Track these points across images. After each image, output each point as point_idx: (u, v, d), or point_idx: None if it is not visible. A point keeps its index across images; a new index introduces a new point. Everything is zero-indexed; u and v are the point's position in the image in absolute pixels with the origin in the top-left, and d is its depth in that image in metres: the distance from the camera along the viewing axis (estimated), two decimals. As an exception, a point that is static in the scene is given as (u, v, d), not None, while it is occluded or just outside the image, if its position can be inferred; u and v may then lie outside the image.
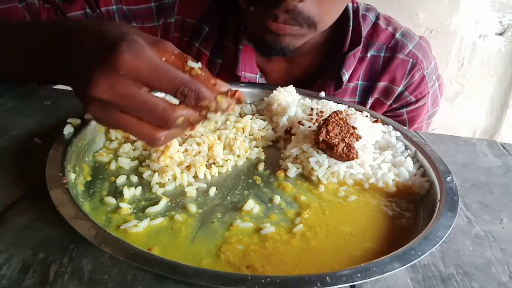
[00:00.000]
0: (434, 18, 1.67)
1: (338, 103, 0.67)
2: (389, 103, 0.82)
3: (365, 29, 0.78)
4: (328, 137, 0.53)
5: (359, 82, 0.81)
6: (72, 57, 0.43)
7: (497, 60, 1.74)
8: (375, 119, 0.63)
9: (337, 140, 0.53)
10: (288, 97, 0.66)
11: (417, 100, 0.82)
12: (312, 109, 0.64)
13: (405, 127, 0.64)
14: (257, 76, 0.78)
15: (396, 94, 0.81)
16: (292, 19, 0.61)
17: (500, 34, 1.71)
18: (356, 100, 0.82)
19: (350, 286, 0.37)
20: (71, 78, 0.44)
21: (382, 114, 0.83)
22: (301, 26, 0.63)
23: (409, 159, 0.56)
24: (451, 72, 1.76)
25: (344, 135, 0.54)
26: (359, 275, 0.36)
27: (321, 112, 0.62)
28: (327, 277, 0.36)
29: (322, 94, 0.70)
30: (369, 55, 0.79)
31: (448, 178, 0.51)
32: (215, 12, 0.78)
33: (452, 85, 1.77)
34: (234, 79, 0.77)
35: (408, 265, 0.38)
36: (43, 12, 0.73)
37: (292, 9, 0.60)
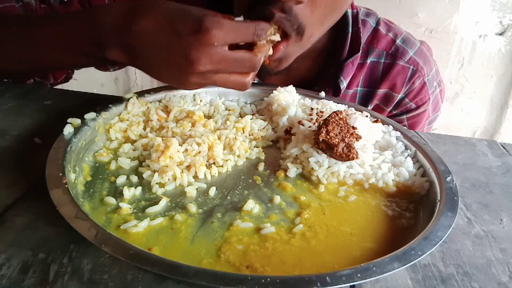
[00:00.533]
0: (434, 18, 1.66)
1: (338, 103, 0.67)
2: (389, 109, 0.82)
3: (365, 35, 0.76)
4: (328, 137, 0.53)
5: (359, 88, 0.80)
6: (143, 40, 0.51)
7: (497, 60, 1.74)
8: (375, 119, 0.63)
9: (337, 140, 0.53)
10: (288, 97, 0.66)
11: (418, 107, 0.82)
12: (312, 109, 0.64)
13: (405, 127, 0.64)
14: (256, 82, 0.78)
15: (396, 101, 0.80)
16: (287, 20, 0.58)
17: (500, 34, 1.71)
18: None
19: (350, 286, 0.37)
20: (145, 61, 0.53)
21: None
22: (292, 30, 0.59)
23: (409, 159, 0.56)
24: (451, 72, 1.76)
25: (344, 135, 0.54)
26: (359, 275, 0.36)
27: (321, 112, 0.62)
28: (327, 277, 0.36)
29: (322, 94, 0.70)
30: (369, 61, 0.78)
31: (448, 178, 0.52)
32: (214, 8, 0.77)
33: (452, 85, 1.77)
34: None
35: (408, 265, 0.38)
36: (40, 12, 0.73)
37: (288, 9, 0.57)
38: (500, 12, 1.66)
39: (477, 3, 1.65)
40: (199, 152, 0.54)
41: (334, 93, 0.77)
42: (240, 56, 0.51)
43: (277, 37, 0.55)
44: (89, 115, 0.56)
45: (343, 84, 0.76)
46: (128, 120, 0.58)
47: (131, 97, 0.61)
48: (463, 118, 1.85)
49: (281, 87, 0.68)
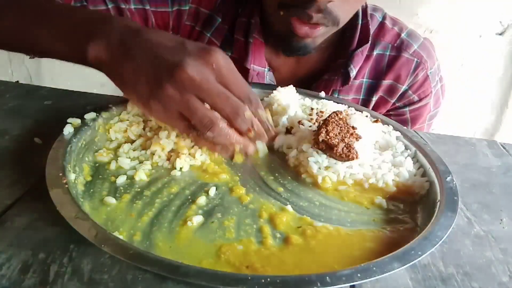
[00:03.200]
0: (434, 18, 1.67)
1: (338, 103, 0.67)
2: (392, 101, 0.83)
3: (372, 28, 0.79)
4: (328, 137, 0.53)
5: (364, 79, 0.82)
6: (140, 43, 0.48)
7: (497, 60, 1.74)
8: (375, 119, 0.63)
9: (337, 140, 0.53)
10: (288, 97, 0.66)
11: (420, 100, 0.83)
12: (312, 109, 0.64)
13: (405, 127, 0.64)
14: (265, 69, 0.79)
15: (400, 93, 0.82)
16: (324, 18, 0.64)
17: (500, 34, 1.71)
18: (361, 97, 0.83)
19: (350, 286, 0.37)
20: (129, 61, 0.48)
21: (385, 112, 0.83)
22: (327, 25, 0.66)
23: (409, 159, 0.56)
24: (451, 72, 1.76)
25: (344, 135, 0.54)
26: (359, 275, 0.36)
27: (321, 112, 0.62)
28: (327, 277, 0.36)
29: (322, 94, 0.70)
30: (375, 53, 0.80)
31: (448, 178, 0.52)
32: (228, 4, 0.78)
33: (452, 85, 1.77)
34: (243, 71, 0.77)
35: (408, 265, 0.38)
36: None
37: (323, 8, 0.62)
38: (500, 12, 1.66)
39: (477, 3, 1.65)
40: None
41: (343, 81, 0.79)
42: (229, 94, 0.47)
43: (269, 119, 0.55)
44: (89, 115, 0.56)
45: (353, 72, 0.77)
46: (128, 120, 0.58)
47: None
48: (463, 118, 1.85)
49: (288, 82, 0.69)
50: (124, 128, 0.57)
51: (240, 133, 0.49)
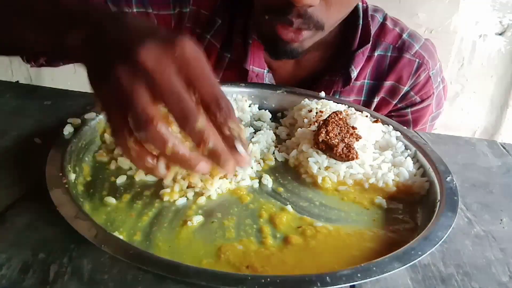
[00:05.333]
0: (434, 18, 1.66)
1: (338, 103, 0.67)
2: (394, 102, 0.82)
3: (373, 29, 0.78)
4: (328, 137, 0.53)
5: (366, 81, 0.81)
6: (116, 25, 0.41)
7: (497, 60, 1.74)
8: (375, 119, 0.63)
9: (336, 140, 0.53)
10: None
11: (422, 101, 0.83)
12: (311, 109, 0.64)
13: (405, 127, 0.64)
14: (265, 71, 0.79)
15: (401, 94, 0.82)
16: (304, 24, 0.63)
17: (500, 34, 1.70)
18: (362, 99, 0.82)
19: (350, 286, 0.37)
20: (102, 42, 0.41)
21: (387, 113, 0.83)
22: (310, 29, 0.64)
23: (409, 159, 0.56)
24: (451, 72, 1.76)
25: (344, 136, 0.54)
26: (359, 275, 0.36)
27: (321, 112, 0.62)
28: (327, 277, 0.36)
29: (322, 94, 0.70)
30: (376, 54, 0.80)
31: (448, 178, 0.51)
32: (228, 6, 0.78)
33: (452, 85, 1.77)
34: (242, 73, 0.77)
35: (408, 265, 0.38)
36: None
37: (303, 13, 0.61)
38: (500, 12, 1.66)
39: (477, 3, 1.65)
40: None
41: (344, 82, 0.78)
42: (185, 95, 0.38)
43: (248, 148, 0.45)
44: (89, 115, 0.56)
45: (354, 73, 0.77)
46: None
47: None
48: (463, 118, 1.85)
49: (288, 84, 0.68)
50: None
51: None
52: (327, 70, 0.80)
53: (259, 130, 0.63)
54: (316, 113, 0.62)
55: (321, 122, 0.56)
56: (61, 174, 0.45)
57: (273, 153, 0.59)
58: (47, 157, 0.47)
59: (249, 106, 0.69)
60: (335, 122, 0.55)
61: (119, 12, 0.46)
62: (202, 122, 0.38)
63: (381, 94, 0.82)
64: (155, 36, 0.39)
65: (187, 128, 0.38)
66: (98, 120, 0.56)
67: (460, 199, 0.50)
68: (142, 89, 0.37)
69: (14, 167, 0.50)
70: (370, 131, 0.58)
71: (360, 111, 0.63)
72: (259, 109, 0.70)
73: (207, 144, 0.38)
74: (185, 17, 0.78)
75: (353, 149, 0.52)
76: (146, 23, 0.43)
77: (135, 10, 0.74)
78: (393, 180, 0.53)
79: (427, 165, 0.55)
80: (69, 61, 0.74)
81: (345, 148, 0.52)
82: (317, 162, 0.54)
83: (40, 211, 0.43)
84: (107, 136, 0.55)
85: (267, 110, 0.70)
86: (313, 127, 0.58)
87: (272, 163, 0.57)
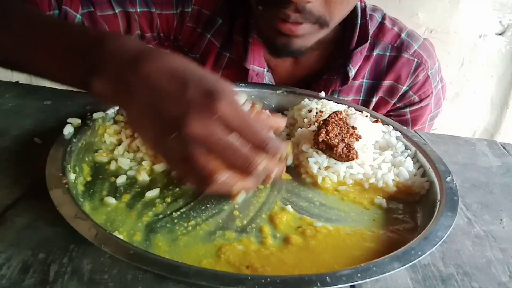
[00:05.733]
0: (434, 18, 1.66)
1: (338, 103, 0.67)
2: (393, 102, 0.83)
3: (371, 29, 0.78)
4: (328, 137, 0.53)
5: (364, 80, 0.81)
6: (145, 80, 0.43)
7: (497, 60, 1.74)
8: (375, 119, 0.63)
9: (336, 140, 0.53)
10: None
11: (421, 100, 0.83)
12: (311, 109, 0.64)
13: (405, 127, 0.64)
14: (265, 70, 0.79)
15: (400, 93, 0.82)
16: (303, 18, 0.62)
17: (500, 34, 1.71)
18: (361, 98, 0.82)
19: (350, 286, 0.37)
20: (132, 103, 0.44)
21: (386, 113, 0.83)
22: (312, 23, 0.64)
23: (409, 159, 0.56)
24: (451, 72, 1.76)
25: (344, 136, 0.54)
26: (359, 275, 0.36)
27: (321, 112, 0.62)
28: (327, 277, 0.36)
29: (322, 94, 0.70)
30: (374, 54, 0.80)
31: (448, 178, 0.51)
32: (229, 5, 0.79)
33: (452, 85, 1.77)
34: (242, 72, 0.77)
35: (408, 265, 0.38)
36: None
37: (301, 8, 0.61)
38: (500, 12, 1.66)
39: (477, 3, 1.65)
40: None
41: (342, 81, 0.78)
42: (238, 145, 0.42)
43: (289, 160, 0.53)
44: (98, 114, 0.56)
45: (352, 72, 0.77)
46: (122, 121, 0.58)
47: None
48: (463, 118, 1.85)
49: (287, 82, 0.68)
50: (118, 130, 0.56)
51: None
52: (325, 69, 0.80)
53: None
54: (316, 113, 0.62)
55: (321, 122, 0.56)
56: (61, 174, 0.45)
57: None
58: (47, 157, 0.47)
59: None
60: (335, 122, 0.55)
61: (129, 53, 0.45)
62: (261, 165, 0.43)
63: (380, 93, 0.82)
64: (192, 104, 0.41)
65: (249, 174, 0.43)
66: (98, 121, 0.56)
67: (460, 199, 0.50)
68: (199, 151, 0.42)
69: (14, 167, 0.50)
70: (370, 131, 0.58)
71: (360, 111, 0.63)
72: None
73: (271, 176, 0.46)
74: (186, 16, 0.78)
75: (353, 149, 0.52)
76: (166, 71, 0.44)
77: (138, 9, 0.74)
78: (393, 180, 0.53)
79: (427, 165, 0.55)
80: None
81: (345, 148, 0.52)
82: (317, 162, 0.54)
83: (40, 211, 0.43)
84: (106, 137, 0.55)
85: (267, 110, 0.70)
86: (313, 127, 0.58)
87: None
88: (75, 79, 0.49)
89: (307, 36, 0.67)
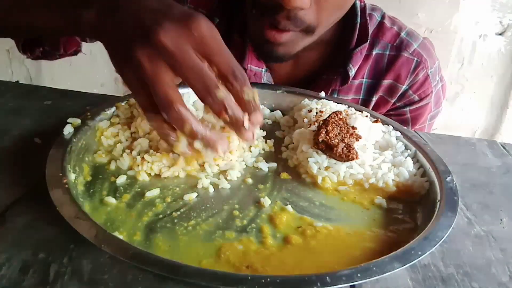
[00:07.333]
0: (434, 18, 1.67)
1: (338, 103, 0.67)
2: (393, 101, 0.83)
3: (371, 28, 0.78)
4: (328, 137, 0.53)
5: (364, 79, 0.81)
6: (131, 2, 0.44)
7: (497, 60, 1.74)
8: (375, 119, 0.63)
9: (336, 140, 0.53)
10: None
11: (421, 99, 0.83)
12: (311, 109, 0.64)
13: (405, 127, 0.64)
14: (263, 70, 0.79)
15: (400, 93, 0.82)
16: (293, 25, 0.62)
17: (500, 34, 1.71)
18: (361, 97, 0.82)
19: (350, 286, 0.37)
20: (118, 19, 0.44)
21: (385, 112, 0.83)
22: (298, 31, 0.64)
23: (409, 159, 0.56)
24: (451, 72, 1.76)
25: (343, 136, 0.54)
26: (359, 275, 0.36)
27: (321, 112, 0.62)
28: (327, 277, 0.36)
29: (322, 94, 0.70)
30: (374, 53, 0.80)
31: (448, 178, 0.51)
32: (225, 4, 0.78)
33: (452, 85, 1.77)
34: None
35: (408, 265, 0.38)
36: None
37: (293, 15, 0.61)
38: (500, 12, 1.66)
39: (477, 3, 1.65)
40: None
41: (342, 81, 0.78)
42: (205, 69, 0.42)
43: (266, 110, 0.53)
44: (89, 116, 0.56)
45: (352, 72, 0.77)
46: (119, 123, 0.57)
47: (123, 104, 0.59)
48: (463, 118, 1.85)
49: (286, 82, 0.68)
50: (115, 132, 0.56)
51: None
52: (325, 69, 0.80)
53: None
54: (316, 113, 0.62)
55: (321, 122, 0.56)
56: (61, 174, 0.45)
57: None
58: (47, 157, 0.47)
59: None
60: (335, 122, 0.55)
61: None
62: (222, 91, 0.42)
63: (380, 92, 0.82)
64: (171, 15, 0.42)
65: (209, 98, 0.42)
66: (97, 122, 0.56)
67: (460, 199, 0.50)
68: (164, 69, 0.41)
69: (14, 167, 0.50)
70: (370, 131, 0.58)
71: (360, 111, 0.63)
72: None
73: (228, 111, 0.43)
74: None
75: (353, 149, 0.52)
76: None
77: None
78: (393, 180, 0.53)
79: (427, 165, 0.55)
80: (70, 47, 0.74)
81: (345, 148, 0.52)
82: (317, 162, 0.54)
83: (40, 211, 0.43)
84: (103, 139, 0.55)
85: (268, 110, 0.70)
86: (313, 127, 0.58)
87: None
88: (67, 21, 0.49)
89: (290, 43, 0.66)
